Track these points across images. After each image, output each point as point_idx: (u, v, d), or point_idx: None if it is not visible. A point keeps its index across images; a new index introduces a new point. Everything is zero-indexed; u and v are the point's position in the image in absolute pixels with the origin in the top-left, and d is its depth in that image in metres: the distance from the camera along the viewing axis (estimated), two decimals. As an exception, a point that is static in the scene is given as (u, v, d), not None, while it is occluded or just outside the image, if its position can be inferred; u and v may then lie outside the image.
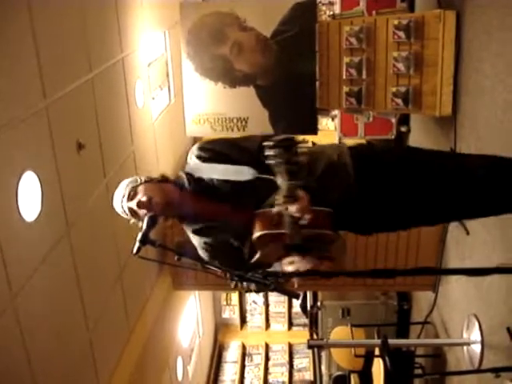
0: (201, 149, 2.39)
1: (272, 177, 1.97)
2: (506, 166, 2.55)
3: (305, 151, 1.87)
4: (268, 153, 1.85)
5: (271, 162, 1.86)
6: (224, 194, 2.33)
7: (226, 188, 2.32)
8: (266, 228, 2.21)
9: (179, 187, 2.36)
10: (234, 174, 2.30)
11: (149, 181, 2.36)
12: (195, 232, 2.45)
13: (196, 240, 2.47)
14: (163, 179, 2.39)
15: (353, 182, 2.40)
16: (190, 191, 2.36)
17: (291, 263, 2.21)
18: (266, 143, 1.86)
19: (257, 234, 2.23)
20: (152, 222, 2.15)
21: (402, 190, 2.45)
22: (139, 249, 2.07)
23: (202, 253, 2.46)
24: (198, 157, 2.38)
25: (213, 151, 2.38)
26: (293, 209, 2.03)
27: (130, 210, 2.28)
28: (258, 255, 2.30)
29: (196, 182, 2.36)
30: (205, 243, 2.45)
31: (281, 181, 1.93)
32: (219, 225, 2.39)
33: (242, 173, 2.28)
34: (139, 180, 2.35)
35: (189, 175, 2.38)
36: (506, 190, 2.47)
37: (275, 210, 2.18)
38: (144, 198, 2.25)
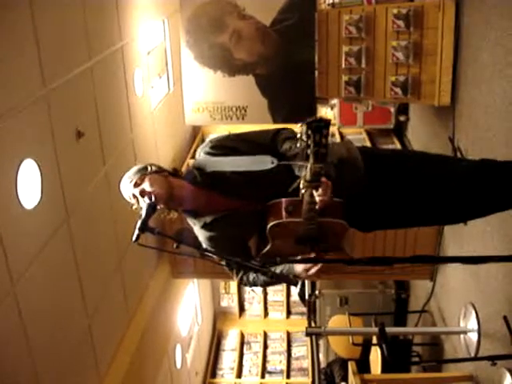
0: (212, 146, 2.40)
1: (294, 162, 1.95)
2: (497, 167, 2.60)
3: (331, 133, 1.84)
4: (299, 135, 1.82)
5: (301, 143, 1.83)
6: (238, 186, 2.34)
7: (240, 180, 2.32)
8: (280, 217, 2.21)
9: (190, 181, 2.38)
10: (253, 165, 2.30)
11: (159, 171, 2.37)
12: (204, 227, 2.45)
13: (203, 234, 2.48)
14: (173, 172, 2.41)
15: (363, 176, 2.42)
16: (200, 185, 2.37)
17: (307, 270, 2.25)
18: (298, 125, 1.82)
19: (271, 223, 2.23)
20: (151, 210, 2.17)
21: (407, 186, 2.47)
22: (138, 236, 2.08)
23: (208, 246, 2.46)
24: (209, 153, 2.39)
25: (225, 147, 2.39)
26: (317, 192, 2.03)
27: (134, 195, 2.32)
28: (268, 247, 2.30)
29: (207, 175, 2.37)
30: (212, 237, 2.45)
31: (303, 167, 1.91)
32: (230, 217, 2.39)
33: (263, 162, 2.27)
34: (150, 169, 2.36)
35: (199, 170, 2.39)
36: (502, 188, 2.51)
37: (288, 199, 2.19)
38: (148, 188, 2.28)
